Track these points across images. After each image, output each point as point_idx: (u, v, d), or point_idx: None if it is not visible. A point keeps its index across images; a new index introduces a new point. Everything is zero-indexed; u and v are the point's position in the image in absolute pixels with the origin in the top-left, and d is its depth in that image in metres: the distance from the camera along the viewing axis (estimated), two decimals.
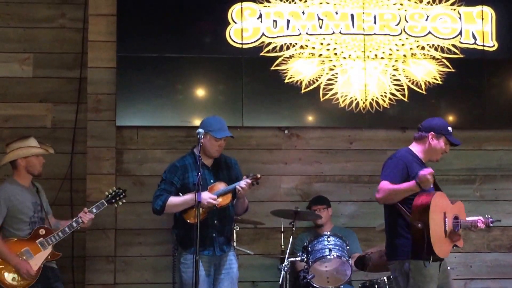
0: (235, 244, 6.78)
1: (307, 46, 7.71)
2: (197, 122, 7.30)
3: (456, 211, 5.69)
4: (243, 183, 6.00)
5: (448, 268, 5.82)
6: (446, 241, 5.63)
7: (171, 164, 6.30)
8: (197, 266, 5.55)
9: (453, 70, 7.76)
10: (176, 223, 6.28)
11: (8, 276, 6.20)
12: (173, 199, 6.05)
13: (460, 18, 7.86)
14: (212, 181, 6.16)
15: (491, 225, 5.90)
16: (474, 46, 7.84)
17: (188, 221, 6.02)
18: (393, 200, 5.62)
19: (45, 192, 6.62)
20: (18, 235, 6.28)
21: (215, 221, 6.12)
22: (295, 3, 7.74)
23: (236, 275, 6.22)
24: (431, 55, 7.78)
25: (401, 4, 7.82)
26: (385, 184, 5.61)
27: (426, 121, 5.93)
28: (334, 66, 7.73)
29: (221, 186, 6.09)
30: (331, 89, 7.68)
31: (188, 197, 5.94)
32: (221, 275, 6.15)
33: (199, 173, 5.72)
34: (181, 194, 6.10)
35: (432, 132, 5.81)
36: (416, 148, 5.87)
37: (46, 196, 6.63)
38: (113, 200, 6.42)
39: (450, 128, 5.87)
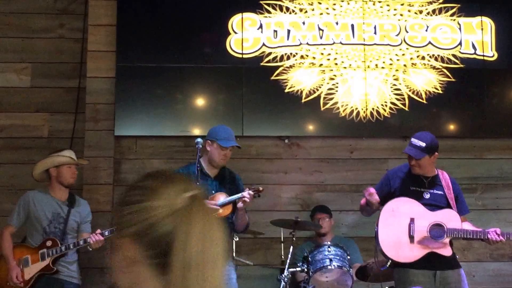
0: (234, 254, 6.80)
1: (307, 56, 7.77)
2: (196, 131, 7.54)
3: (439, 218, 5.75)
4: (245, 193, 6.00)
5: (461, 282, 5.80)
6: (413, 246, 5.74)
7: (175, 171, 6.19)
8: None
9: (453, 80, 7.81)
10: None
11: (2, 279, 6.27)
12: None
13: (460, 28, 7.93)
14: (213, 191, 6.17)
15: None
16: (474, 56, 7.89)
17: None
18: (365, 213, 6.29)
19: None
20: (30, 242, 6.33)
21: None
22: (296, 13, 7.81)
23: (235, 286, 6.23)
24: (431, 65, 7.83)
25: (401, 15, 7.91)
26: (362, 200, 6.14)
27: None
28: (335, 75, 7.78)
29: (221, 197, 6.10)
30: (331, 99, 7.72)
31: None
32: None
33: (198, 182, 5.62)
34: None
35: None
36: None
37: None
38: None
39: (412, 138, 6.06)
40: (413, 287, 5.74)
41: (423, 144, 5.87)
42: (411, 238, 5.77)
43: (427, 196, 5.92)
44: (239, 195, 6.00)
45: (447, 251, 5.73)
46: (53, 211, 6.42)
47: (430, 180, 5.97)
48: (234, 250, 6.84)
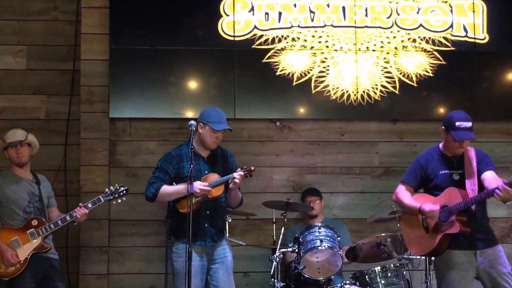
0: (227, 235, 6.81)
1: (298, 38, 7.74)
2: (189, 114, 7.55)
3: (444, 201, 5.71)
4: (236, 174, 6.01)
5: (500, 258, 5.72)
6: (429, 236, 5.73)
7: (167, 152, 6.35)
8: (190, 256, 5.55)
9: (444, 63, 7.81)
10: (170, 212, 6.33)
11: None
12: (165, 188, 6.10)
13: (451, 10, 7.89)
14: (206, 172, 6.18)
15: None
16: (465, 38, 7.88)
17: (180, 210, 6.06)
18: (401, 208, 6.09)
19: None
20: (12, 224, 6.33)
21: (208, 212, 6.16)
22: None
23: (231, 264, 6.26)
24: (422, 48, 7.83)
25: None
26: (399, 191, 5.96)
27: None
28: (326, 58, 7.76)
29: (214, 178, 6.09)
30: (322, 81, 7.71)
31: (181, 186, 6.00)
32: (216, 265, 6.18)
33: (191, 165, 5.72)
34: (174, 184, 6.13)
35: (444, 126, 5.88)
36: (443, 144, 5.95)
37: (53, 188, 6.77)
38: (111, 197, 6.48)
39: (457, 122, 5.81)
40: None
41: (471, 123, 5.82)
42: (426, 229, 5.78)
43: (456, 177, 5.83)
44: (229, 176, 6.02)
45: (454, 229, 5.64)
46: (27, 191, 6.48)
47: (458, 159, 5.88)
48: (227, 231, 6.84)
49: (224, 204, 6.31)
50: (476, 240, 5.69)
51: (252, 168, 6.12)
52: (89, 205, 6.40)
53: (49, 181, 6.92)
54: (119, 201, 6.56)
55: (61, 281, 6.50)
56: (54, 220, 6.35)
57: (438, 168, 5.88)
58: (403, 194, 5.93)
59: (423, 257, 6.58)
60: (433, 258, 6.02)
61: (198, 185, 5.94)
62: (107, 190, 6.51)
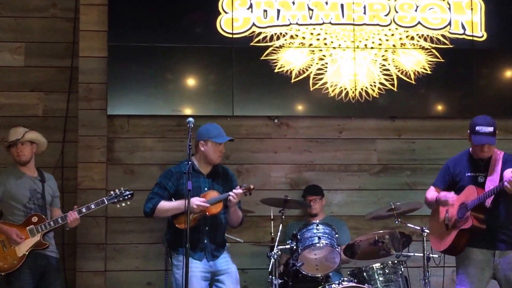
0: (228, 245, 6.81)
1: (297, 36, 7.76)
2: (187, 111, 7.58)
3: (463, 199, 5.80)
4: (235, 191, 6.10)
5: None
6: (448, 233, 5.86)
7: (168, 169, 6.54)
8: (187, 267, 5.61)
9: (442, 60, 7.82)
10: (168, 228, 6.47)
11: None
12: (164, 204, 6.25)
13: (449, 8, 7.92)
14: (206, 189, 6.27)
15: None
16: (463, 36, 7.89)
17: (177, 226, 6.18)
18: (430, 207, 6.19)
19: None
20: (12, 220, 6.36)
21: (206, 228, 6.27)
22: None
23: (236, 275, 6.34)
24: (420, 45, 7.84)
25: None
26: (427, 191, 6.14)
27: None
28: (324, 56, 7.78)
29: (213, 195, 6.18)
30: (321, 79, 7.73)
31: (179, 202, 6.17)
32: (222, 276, 6.27)
33: (189, 166, 5.75)
34: (173, 200, 6.23)
35: (468, 131, 5.95)
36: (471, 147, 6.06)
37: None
38: (115, 200, 6.50)
39: (477, 127, 5.89)
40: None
41: (492, 129, 5.88)
42: (446, 226, 5.90)
43: (481, 180, 5.90)
44: (226, 194, 6.13)
45: (467, 224, 5.72)
46: (30, 187, 6.50)
47: (485, 162, 5.96)
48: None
49: (224, 221, 6.37)
50: (497, 240, 5.77)
51: (252, 186, 6.23)
52: (83, 210, 6.42)
53: None
54: (123, 204, 6.59)
55: (58, 280, 6.53)
56: (54, 218, 6.39)
57: (464, 171, 5.98)
58: (430, 193, 6.09)
59: (421, 254, 6.59)
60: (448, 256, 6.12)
61: (196, 201, 6.08)
62: (112, 192, 6.53)
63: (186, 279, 5.64)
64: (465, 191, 5.84)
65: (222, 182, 6.33)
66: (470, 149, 6.05)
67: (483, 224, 5.73)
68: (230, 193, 6.13)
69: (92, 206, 6.45)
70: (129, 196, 6.52)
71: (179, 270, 6.10)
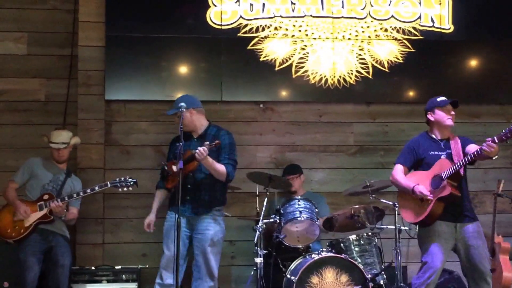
0: (218, 211, 6.69)
1: (280, 27, 7.87)
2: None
3: (436, 171, 5.92)
4: (199, 148, 6.07)
5: (478, 233, 5.91)
6: (423, 204, 5.92)
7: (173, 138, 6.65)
8: (179, 226, 5.71)
9: (413, 50, 7.98)
10: None
11: (4, 225, 6.62)
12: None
13: (420, 3, 8.06)
14: (192, 149, 6.30)
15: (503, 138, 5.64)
16: (432, 28, 8.05)
17: (167, 186, 6.42)
18: (397, 187, 6.22)
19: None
20: (30, 197, 6.68)
21: (189, 186, 6.33)
22: None
23: (211, 237, 6.35)
24: (393, 37, 7.98)
25: None
26: (395, 172, 6.16)
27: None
28: (305, 46, 7.90)
29: (189, 154, 6.19)
30: (302, 67, 7.87)
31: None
32: (198, 235, 6.36)
33: (181, 143, 5.89)
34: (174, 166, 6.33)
35: (428, 112, 6.13)
36: (429, 130, 6.20)
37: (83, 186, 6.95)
38: (118, 185, 6.66)
39: (438, 99, 6.10)
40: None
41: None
42: (420, 198, 5.92)
43: (443, 157, 5.98)
44: (194, 152, 6.11)
45: (446, 191, 5.80)
46: (54, 173, 6.78)
47: (444, 142, 6.06)
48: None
49: (208, 180, 6.38)
50: (458, 214, 5.92)
51: (217, 141, 6.17)
52: (88, 191, 6.67)
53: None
54: (125, 189, 6.69)
55: (66, 254, 6.68)
56: (62, 196, 6.61)
57: (428, 149, 6.07)
58: (400, 175, 6.10)
59: (393, 227, 6.82)
60: (417, 229, 6.18)
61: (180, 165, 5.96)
62: (117, 179, 6.67)
63: (177, 248, 5.72)
64: (438, 164, 5.93)
65: (211, 142, 6.18)
66: (427, 132, 6.19)
67: (459, 191, 5.87)
68: (195, 152, 6.06)
69: (96, 188, 6.68)
70: (132, 183, 6.67)
71: (167, 222, 6.42)
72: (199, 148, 6.08)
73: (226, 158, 6.42)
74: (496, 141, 5.63)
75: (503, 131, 5.64)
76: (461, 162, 5.82)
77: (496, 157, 5.81)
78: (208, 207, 6.43)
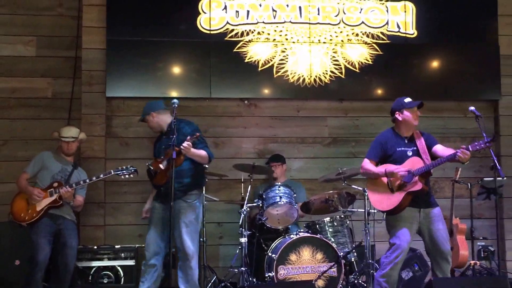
0: (204, 193, 6.89)
1: (263, 32, 7.89)
2: (173, 94, 7.72)
3: (408, 167, 5.90)
4: (184, 144, 6.04)
5: (438, 217, 5.97)
6: (394, 195, 5.92)
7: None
8: (172, 219, 5.85)
9: (381, 53, 8.03)
10: None
11: (18, 210, 6.69)
12: None
13: (387, 10, 8.09)
14: (163, 147, 6.39)
15: (482, 146, 5.68)
16: (398, 33, 8.09)
17: (155, 183, 6.44)
18: (369, 177, 6.16)
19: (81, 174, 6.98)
20: (40, 185, 6.76)
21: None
22: None
23: (182, 219, 6.29)
24: (363, 41, 8.01)
25: None
26: (365, 164, 6.12)
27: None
28: (285, 49, 7.92)
29: (170, 152, 6.12)
30: (282, 68, 7.89)
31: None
32: (174, 219, 6.18)
33: (174, 135, 5.94)
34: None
35: (396, 111, 6.11)
36: (396, 127, 6.18)
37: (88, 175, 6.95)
38: (120, 173, 6.68)
39: (406, 100, 6.08)
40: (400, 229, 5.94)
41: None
42: (391, 190, 5.95)
43: (409, 154, 6.00)
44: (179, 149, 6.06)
45: (417, 186, 5.84)
46: (62, 165, 6.88)
47: (408, 139, 6.08)
48: (204, 190, 6.87)
49: (183, 169, 6.29)
50: (422, 201, 5.98)
51: (197, 134, 6.14)
52: (93, 178, 6.73)
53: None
54: (127, 177, 6.72)
55: (73, 236, 6.75)
56: (70, 183, 6.68)
57: (395, 146, 6.07)
58: (369, 165, 6.10)
59: (363, 210, 6.90)
60: (384, 216, 6.16)
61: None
62: (119, 167, 6.71)
63: (171, 228, 5.85)
64: (410, 161, 5.93)
65: (177, 136, 6.06)
66: (393, 128, 6.18)
67: (427, 187, 5.96)
68: (181, 147, 6.01)
69: (101, 176, 6.77)
70: (133, 170, 6.70)
71: (151, 213, 6.53)
72: (184, 144, 6.06)
73: (198, 143, 6.35)
74: (471, 149, 5.70)
75: (477, 142, 5.73)
76: (434, 163, 5.87)
77: (467, 163, 5.90)
78: (183, 192, 6.38)
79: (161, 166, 6.29)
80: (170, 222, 5.93)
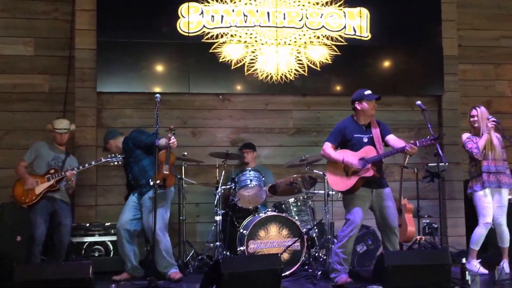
0: (183, 176, 7.16)
1: (235, 35, 7.95)
2: (156, 89, 7.72)
3: (362, 154, 5.98)
4: (171, 141, 6.17)
5: (388, 195, 6.03)
6: (348, 178, 5.98)
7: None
8: (155, 212, 6.00)
9: (339, 54, 8.09)
10: None
11: (18, 193, 6.70)
12: None
13: (345, 16, 8.15)
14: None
15: (428, 142, 5.77)
16: (354, 36, 8.16)
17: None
18: (329, 160, 6.20)
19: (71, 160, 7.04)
20: (37, 172, 6.84)
21: (130, 175, 6.65)
22: (227, 3, 7.97)
23: (149, 204, 6.33)
24: (324, 43, 8.07)
25: (303, 5, 8.10)
26: (326, 148, 6.16)
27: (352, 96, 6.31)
28: (255, 50, 7.98)
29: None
30: (253, 66, 7.95)
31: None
32: (143, 208, 6.40)
33: (157, 125, 6.06)
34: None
35: (356, 101, 6.16)
36: (355, 115, 6.22)
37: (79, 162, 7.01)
38: (110, 160, 6.73)
39: (365, 92, 6.12)
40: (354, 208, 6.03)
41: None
42: (346, 173, 6.04)
43: (365, 140, 6.06)
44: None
45: (369, 173, 5.92)
46: (55, 154, 6.95)
47: (365, 126, 6.12)
48: (183, 174, 7.12)
49: (144, 164, 6.45)
50: (374, 182, 6.08)
51: (171, 126, 6.28)
52: (86, 165, 6.80)
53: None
54: (115, 163, 6.75)
55: (67, 216, 6.78)
56: (64, 170, 6.74)
57: (353, 132, 6.13)
58: (329, 150, 6.14)
59: (323, 192, 6.90)
60: (341, 195, 6.21)
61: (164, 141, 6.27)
62: (108, 156, 6.78)
63: (154, 217, 6.00)
64: (364, 149, 6.01)
65: (123, 149, 6.56)
66: (352, 116, 6.23)
67: (378, 174, 6.04)
68: (170, 143, 6.13)
69: (93, 163, 6.88)
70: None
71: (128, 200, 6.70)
72: (171, 141, 6.18)
73: (143, 135, 6.55)
74: (418, 145, 5.82)
75: (425, 139, 5.83)
76: (385, 154, 5.98)
77: (414, 156, 6.05)
78: (146, 184, 6.42)
79: (165, 172, 6.33)
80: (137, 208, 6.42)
